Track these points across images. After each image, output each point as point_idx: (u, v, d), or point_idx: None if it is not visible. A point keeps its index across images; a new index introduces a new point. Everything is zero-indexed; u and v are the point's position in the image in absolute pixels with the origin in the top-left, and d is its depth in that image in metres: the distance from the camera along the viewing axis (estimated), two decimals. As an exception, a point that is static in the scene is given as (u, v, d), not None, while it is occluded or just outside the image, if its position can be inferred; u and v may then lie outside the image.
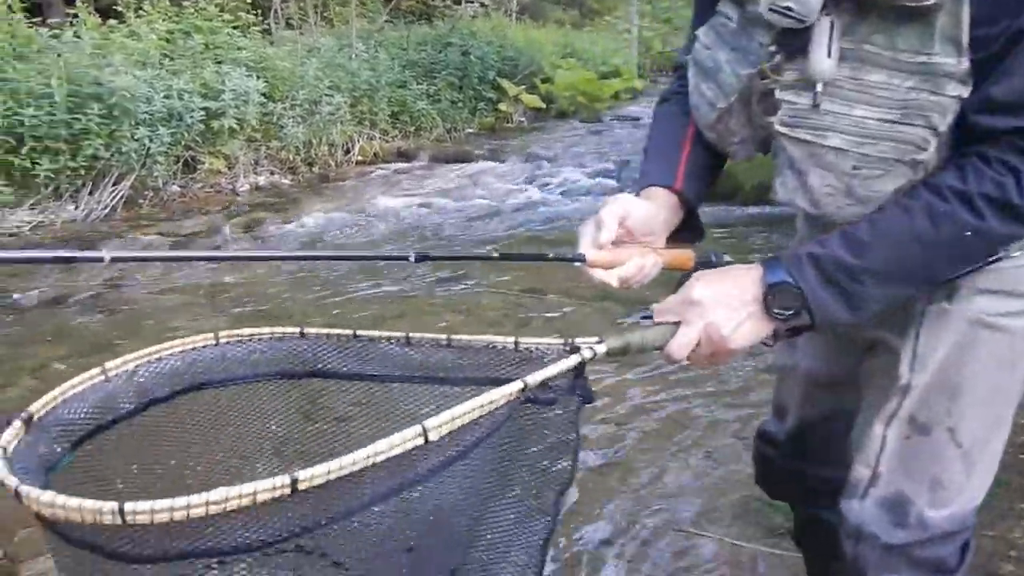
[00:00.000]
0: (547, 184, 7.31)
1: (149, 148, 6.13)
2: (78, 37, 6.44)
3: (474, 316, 3.91)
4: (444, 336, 1.12)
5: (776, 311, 1.05)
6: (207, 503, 0.75)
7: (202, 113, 6.61)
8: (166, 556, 0.80)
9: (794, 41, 1.01)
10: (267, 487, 0.77)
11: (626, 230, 1.14)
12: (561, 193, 7.01)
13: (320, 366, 1.16)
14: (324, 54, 8.84)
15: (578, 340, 1.05)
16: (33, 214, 5.54)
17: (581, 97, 11.74)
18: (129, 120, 6.05)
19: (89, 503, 0.75)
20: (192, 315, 3.95)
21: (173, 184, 6.53)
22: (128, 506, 0.74)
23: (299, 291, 4.33)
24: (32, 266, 4.76)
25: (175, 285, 4.46)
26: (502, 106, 10.79)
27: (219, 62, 7.41)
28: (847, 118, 1.00)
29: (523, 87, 11.03)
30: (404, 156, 8.61)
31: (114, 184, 6.01)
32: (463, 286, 4.39)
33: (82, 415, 0.99)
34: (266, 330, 1.15)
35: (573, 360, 1.01)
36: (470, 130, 10.20)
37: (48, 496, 0.76)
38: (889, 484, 1.19)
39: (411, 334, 1.13)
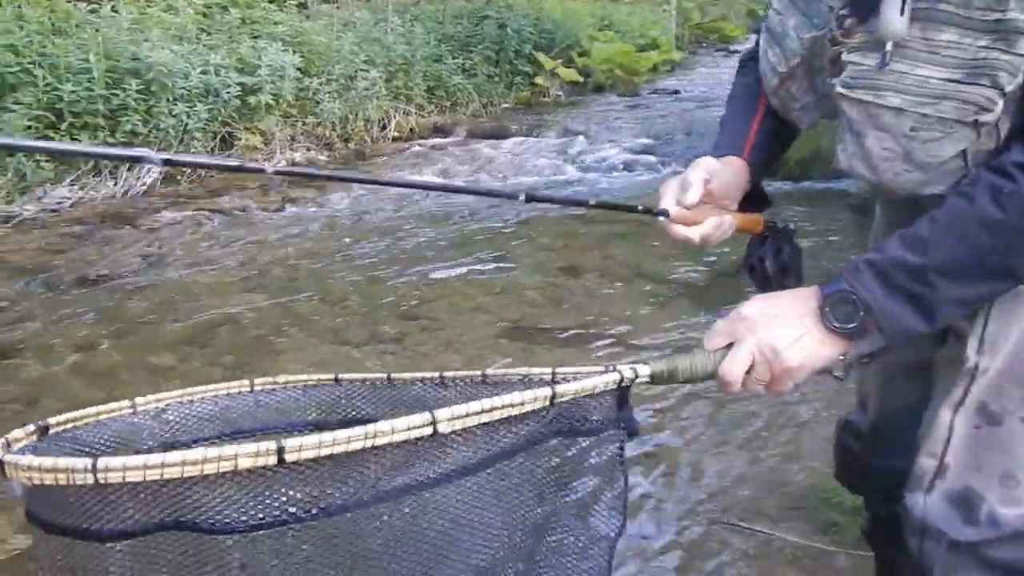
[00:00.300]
0: (583, 160, 7.20)
1: (187, 124, 6.14)
2: (116, 11, 6.45)
3: (511, 295, 3.86)
4: (478, 372, 1.08)
5: (836, 325, 0.98)
6: (183, 462, 0.72)
7: (238, 88, 6.60)
8: (143, 529, 0.77)
9: (866, 1, 0.98)
10: (250, 451, 0.73)
11: (707, 192, 1.18)
12: (597, 169, 6.91)
13: (354, 413, 1.14)
14: (360, 28, 8.78)
15: (620, 364, 1.00)
16: (73, 190, 5.57)
17: (618, 70, 11.56)
18: (166, 95, 6.06)
19: (64, 461, 0.74)
20: (230, 293, 3.95)
21: (210, 160, 6.54)
22: (101, 462, 0.72)
23: (335, 270, 4.31)
24: (75, 241, 4.81)
25: (215, 262, 4.47)
26: (538, 80, 10.66)
27: (255, 37, 7.39)
28: (909, 77, 0.96)
29: (560, 61, 10.88)
30: (440, 131, 8.54)
31: (152, 160, 6.02)
32: (498, 266, 4.34)
33: (100, 441, 0.97)
34: (301, 377, 1.14)
35: (611, 377, 0.93)
36: (506, 105, 10.10)
37: (26, 459, 0.76)
38: (957, 477, 1.12)
39: (445, 373, 1.09)
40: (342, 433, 0.76)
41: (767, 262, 1.29)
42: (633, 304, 3.75)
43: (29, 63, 5.57)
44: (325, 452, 0.76)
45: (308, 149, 7.32)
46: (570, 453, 0.95)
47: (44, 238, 4.85)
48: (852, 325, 0.98)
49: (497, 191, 1.91)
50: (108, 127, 5.77)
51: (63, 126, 5.56)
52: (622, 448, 0.97)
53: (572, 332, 3.46)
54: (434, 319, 3.60)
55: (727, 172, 1.22)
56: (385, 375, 1.13)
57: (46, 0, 6.22)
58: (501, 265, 4.37)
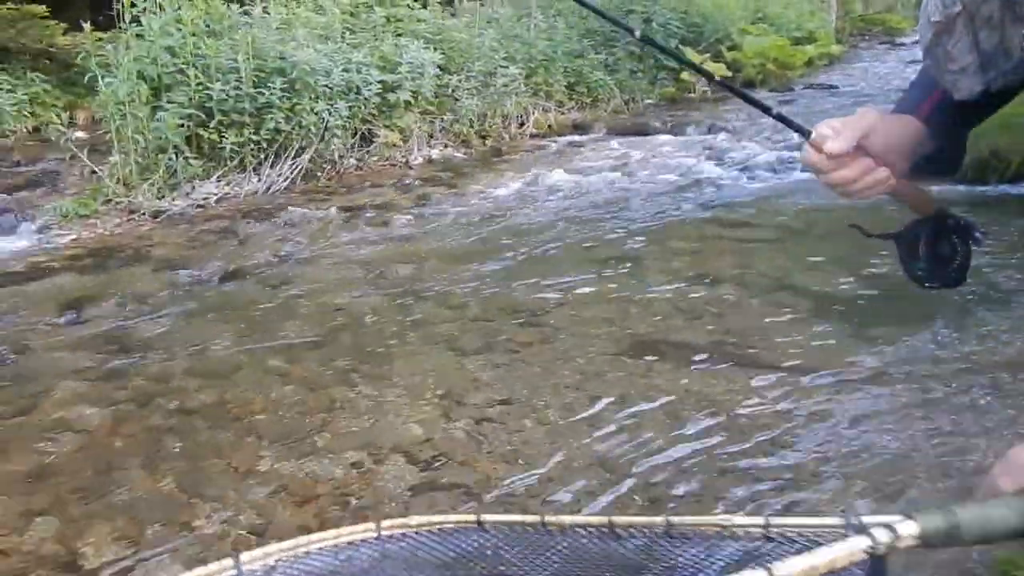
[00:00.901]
0: (726, 159, 6.82)
1: (328, 121, 6.24)
2: (267, 12, 6.65)
3: (638, 305, 3.63)
4: (660, 519, 0.81)
5: None
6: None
7: (379, 86, 6.67)
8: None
9: None
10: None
11: (863, 149, 1.01)
12: (740, 169, 6.52)
13: (502, 568, 0.92)
14: (502, 24, 8.72)
15: (868, 518, 0.69)
16: (219, 186, 5.78)
17: (771, 65, 11.00)
18: (309, 93, 6.18)
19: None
20: (353, 293, 3.93)
21: (350, 157, 6.64)
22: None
23: (461, 271, 4.21)
24: (215, 236, 4.95)
25: (345, 260, 4.48)
26: (684, 75, 10.27)
27: (399, 35, 7.46)
28: None
29: (707, 55, 10.45)
30: (579, 128, 8.36)
31: (294, 157, 6.17)
32: (626, 271, 4.11)
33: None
34: (436, 519, 0.94)
35: (857, 544, 0.64)
36: (649, 101, 9.79)
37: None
38: None
39: (614, 518, 0.85)
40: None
41: (921, 243, 1.13)
42: (775, 320, 3.44)
43: (183, 63, 5.81)
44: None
45: (445, 146, 7.31)
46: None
47: (188, 233, 5.03)
48: None
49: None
50: (253, 125, 5.94)
51: (212, 124, 5.77)
52: None
53: (704, 350, 3.20)
54: (554, 329, 3.43)
55: (895, 128, 1.03)
56: (538, 518, 0.91)
57: (203, 2, 6.48)
58: (630, 271, 4.14)
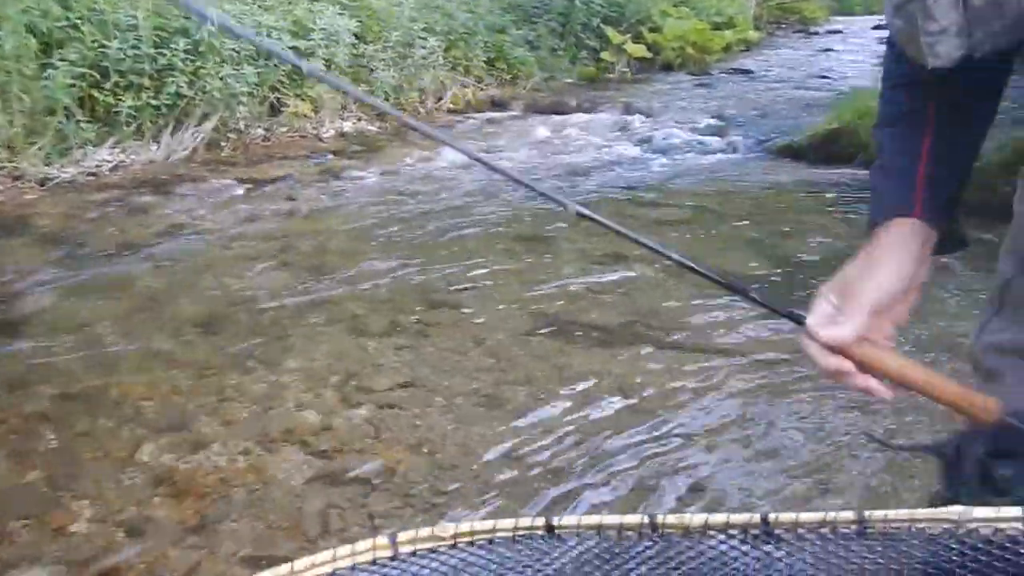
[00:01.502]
0: (643, 140, 6.80)
1: (234, 88, 5.94)
2: (170, -31, 6.28)
3: (549, 285, 3.55)
4: (853, 516, 0.59)
5: None
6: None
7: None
8: None
9: None
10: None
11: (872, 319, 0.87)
12: (656, 150, 6.50)
13: None
14: (423, -7, 8.49)
15: None
16: (114, 153, 5.43)
17: (690, 48, 11.04)
18: (215, 57, 5.87)
19: None
20: (253, 271, 3.73)
21: (257, 127, 6.34)
22: None
23: (367, 250, 4.05)
24: (106, 207, 4.65)
25: (244, 237, 4.25)
26: (605, 55, 10.23)
27: (314, -1, 7.18)
28: None
29: (628, 36, 10.42)
30: (498, 105, 8.22)
31: (197, 125, 5.86)
32: (537, 252, 4.03)
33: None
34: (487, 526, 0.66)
35: None
36: (569, 80, 9.70)
37: None
38: None
39: (771, 515, 0.62)
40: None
41: (967, 462, 0.95)
42: (687, 300, 3.39)
43: (77, 18, 5.43)
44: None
45: (359, 119, 7.07)
46: None
47: (77, 203, 4.71)
48: None
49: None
50: (153, 88, 5.61)
51: (107, 85, 5.41)
52: None
53: (617, 330, 3.14)
54: (464, 311, 3.32)
55: (892, 264, 0.88)
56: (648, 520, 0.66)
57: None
58: (543, 251, 4.05)
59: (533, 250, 4.08)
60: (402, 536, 0.64)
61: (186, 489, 2.18)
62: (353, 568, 0.62)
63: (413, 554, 0.63)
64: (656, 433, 2.47)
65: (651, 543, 0.61)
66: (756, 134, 6.77)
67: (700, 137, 6.82)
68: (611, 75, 10.17)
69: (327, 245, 4.11)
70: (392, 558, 0.63)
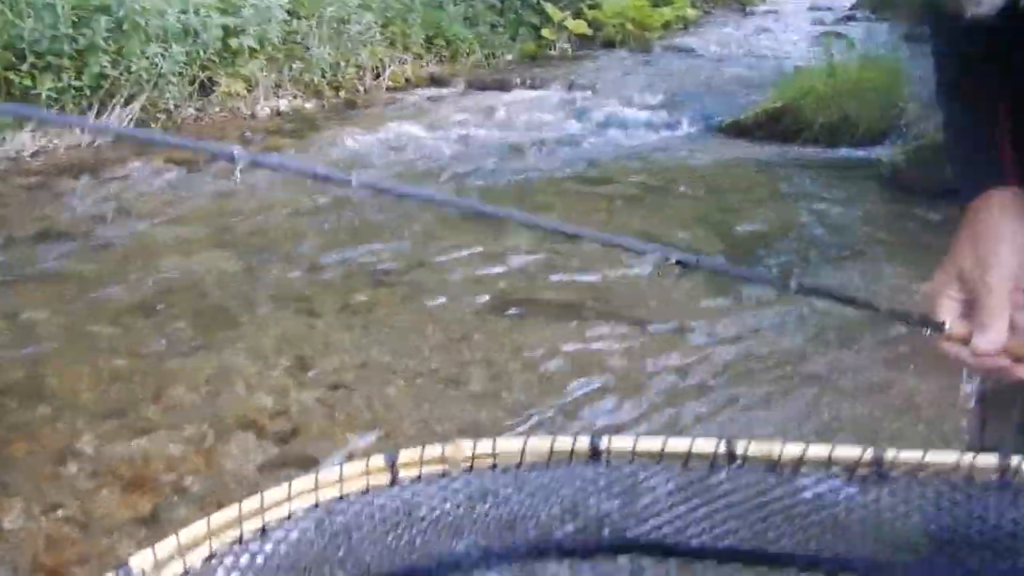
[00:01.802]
0: (587, 117, 6.74)
1: (161, 67, 5.68)
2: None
3: (501, 262, 3.46)
4: (995, 463, 0.51)
5: None
6: None
7: (220, 30, 6.13)
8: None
9: None
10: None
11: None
12: (601, 127, 6.45)
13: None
14: (356, -32, 8.26)
15: None
16: (35, 138, 5.14)
17: (630, 25, 11.01)
18: (139, 36, 5.60)
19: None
20: (192, 254, 3.56)
21: (188, 107, 6.09)
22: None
23: (312, 229, 3.90)
24: (29, 193, 4.40)
25: (180, 219, 4.06)
26: (545, 32, 10.12)
27: (242, -26, 6.90)
28: None
29: (568, 12, 10.34)
30: (438, 82, 8.06)
31: (123, 106, 5.59)
32: (489, 228, 3.93)
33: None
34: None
35: None
36: (509, 57, 9.57)
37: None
38: None
39: (889, 453, 0.52)
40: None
41: None
42: (639, 275, 3.34)
43: (-13, -3, 5.12)
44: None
45: (295, 96, 6.85)
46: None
47: (-4, 188, 4.44)
48: None
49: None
50: (74, 69, 5.33)
51: (24, 67, 5.12)
52: None
53: (570, 306, 3.08)
54: (415, 289, 3.21)
55: (1006, 239, 0.80)
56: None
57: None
58: (493, 228, 3.95)
59: (484, 227, 3.97)
60: (403, 456, 0.53)
61: (134, 480, 2.04)
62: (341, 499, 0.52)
63: (418, 478, 0.52)
64: (616, 409, 2.42)
65: (726, 475, 0.52)
66: (701, 112, 6.75)
67: (645, 114, 6.78)
68: (552, 52, 10.08)
69: (268, 226, 3.95)
70: (391, 483, 0.53)
